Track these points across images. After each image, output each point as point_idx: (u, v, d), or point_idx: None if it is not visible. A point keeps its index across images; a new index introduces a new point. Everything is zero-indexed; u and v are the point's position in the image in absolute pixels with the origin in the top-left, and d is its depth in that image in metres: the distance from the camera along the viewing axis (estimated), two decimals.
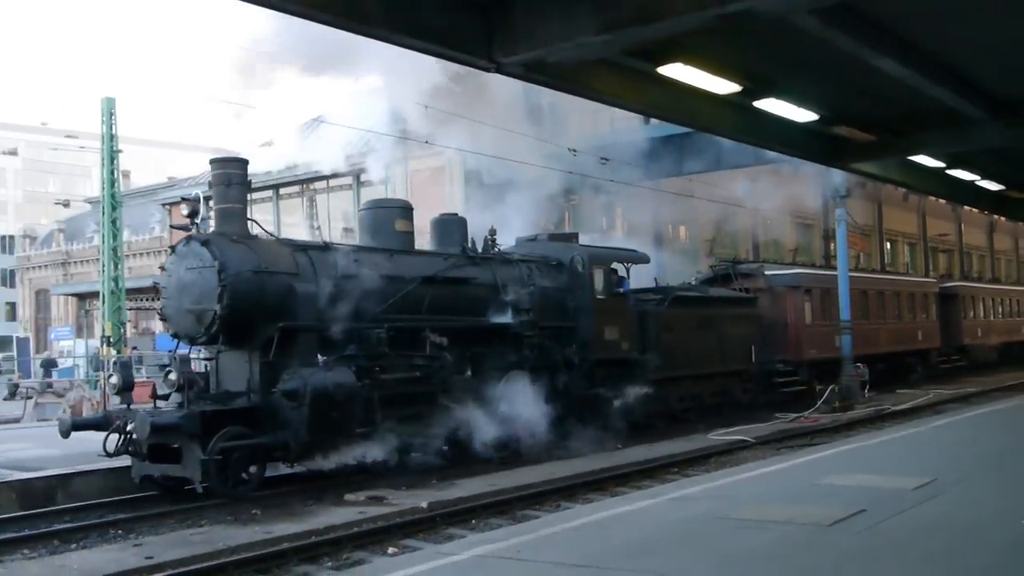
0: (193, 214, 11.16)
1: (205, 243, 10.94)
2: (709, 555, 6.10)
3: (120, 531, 9.13)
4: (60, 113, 72.04)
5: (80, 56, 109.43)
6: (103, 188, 29.34)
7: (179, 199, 32.55)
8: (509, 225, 17.44)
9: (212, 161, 11.67)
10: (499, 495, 10.47)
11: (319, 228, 30.96)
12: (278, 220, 30.69)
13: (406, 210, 13.78)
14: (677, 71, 9.04)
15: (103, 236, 29.70)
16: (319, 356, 10.92)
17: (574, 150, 22.43)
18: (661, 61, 8.78)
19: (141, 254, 44.95)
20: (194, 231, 11.21)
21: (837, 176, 20.87)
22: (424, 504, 9.87)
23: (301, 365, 10.76)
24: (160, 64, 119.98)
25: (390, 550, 8.27)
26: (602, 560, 5.97)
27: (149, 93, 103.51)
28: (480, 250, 14.34)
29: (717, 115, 11.26)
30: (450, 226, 14.65)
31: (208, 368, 11.61)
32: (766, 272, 21.45)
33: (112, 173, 28.81)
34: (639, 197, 25.14)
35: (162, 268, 11.81)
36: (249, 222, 11.67)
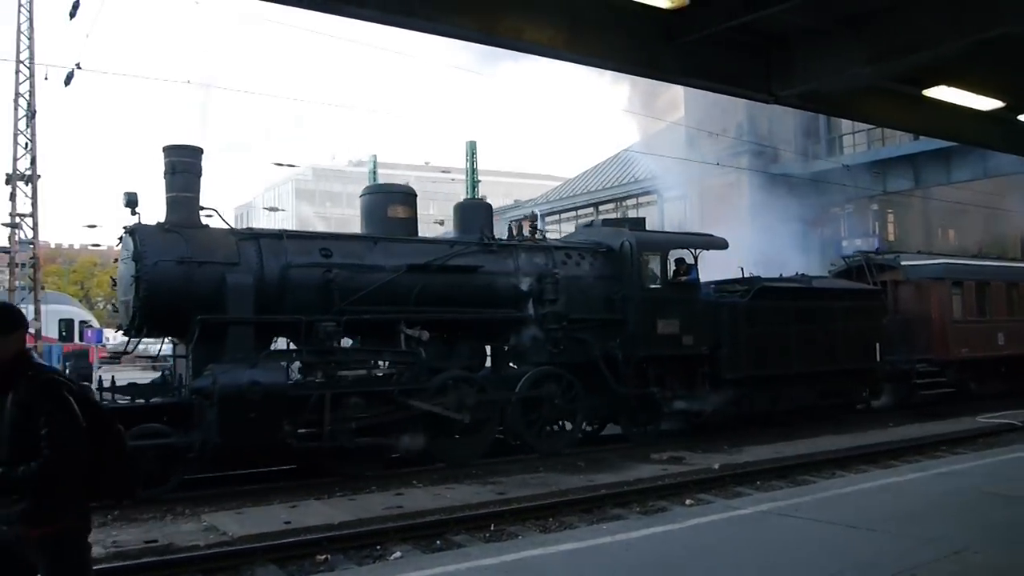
0: (130, 204, 10.53)
1: (131, 233, 10.55)
2: (974, 525, 6.54)
3: (476, 471, 11.30)
4: (438, 153, 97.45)
5: (452, 106, 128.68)
6: None
7: (522, 217, 37.44)
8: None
9: (164, 149, 11.06)
10: (782, 461, 11.72)
11: None
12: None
13: (405, 195, 12.80)
14: (942, 93, 9.64)
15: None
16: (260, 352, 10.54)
17: (847, 165, 24.54)
18: (926, 85, 9.53)
19: None
20: (135, 222, 10.65)
21: None
22: (716, 465, 11.45)
23: (233, 360, 10.12)
24: (513, 109, 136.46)
25: (687, 501, 9.59)
26: (871, 523, 6.58)
27: (504, 131, 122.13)
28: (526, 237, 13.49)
29: (982, 130, 11.55)
30: (472, 211, 13.72)
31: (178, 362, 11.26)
32: (904, 263, 19.33)
33: (473, 199, 34.62)
34: (904, 205, 26.12)
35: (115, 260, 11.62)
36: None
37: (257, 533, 7.94)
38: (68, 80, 21.97)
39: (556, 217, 39.02)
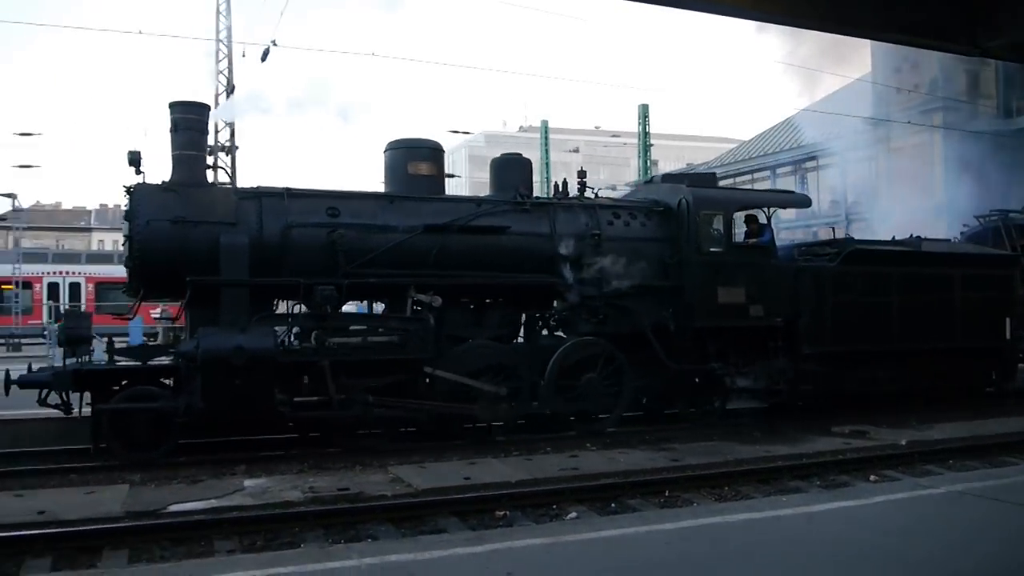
0: (133, 163, 10.20)
1: (129, 192, 10.30)
2: None
3: (649, 438, 11.31)
4: (609, 117, 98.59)
5: (624, 69, 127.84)
6: (639, 175, 35.32)
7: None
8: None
9: (169, 105, 10.64)
10: (977, 440, 10.99)
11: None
12: None
13: (430, 151, 11.80)
14: None
15: None
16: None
17: None
18: None
19: None
20: (140, 180, 10.35)
21: None
22: (903, 441, 10.90)
23: (227, 323, 9.81)
24: (691, 69, 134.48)
25: (871, 477, 9.21)
26: None
27: (678, 94, 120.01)
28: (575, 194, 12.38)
29: None
30: (509, 167, 12.47)
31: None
32: None
33: (646, 163, 34.70)
34: None
35: None
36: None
37: (440, 487, 8.32)
38: (264, 56, 23.32)
39: (731, 181, 37.94)
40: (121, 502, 7.69)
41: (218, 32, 26.80)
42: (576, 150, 58.20)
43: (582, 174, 12.74)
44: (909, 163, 25.80)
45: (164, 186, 10.36)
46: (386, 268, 10.73)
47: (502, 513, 7.72)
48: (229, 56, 27.11)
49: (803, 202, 14.27)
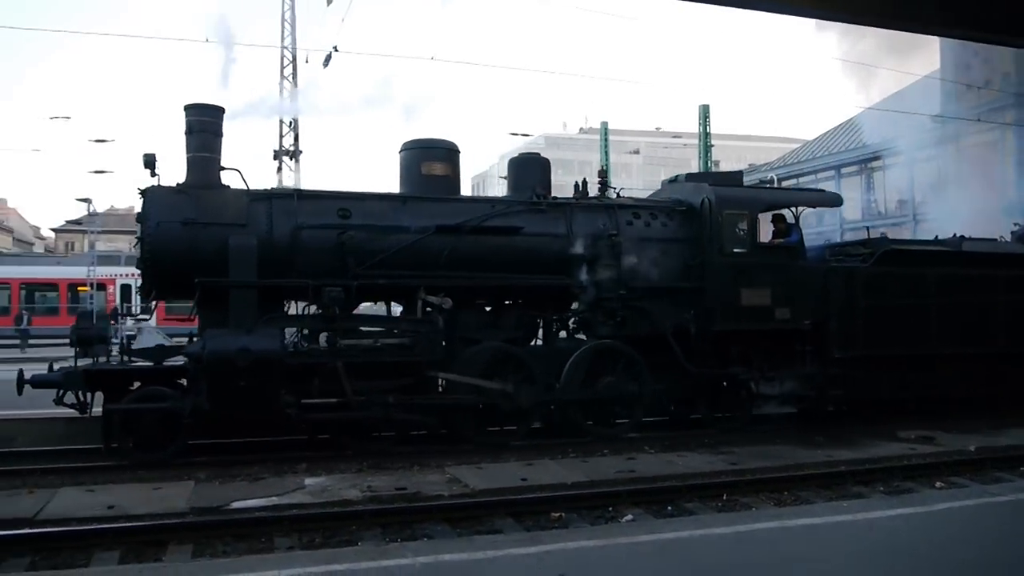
0: (148, 165, 10.25)
1: (142, 194, 10.34)
2: None
3: (707, 441, 11.13)
4: (670, 118, 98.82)
5: (685, 70, 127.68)
6: None
7: (756, 181, 36.75)
8: None
9: (184, 108, 10.65)
10: None
11: (875, 202, 31.90)
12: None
13: (445, 151, 11.59)
14: None
15: None
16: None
17: None
18: None
19: None
20: (155, 182, 10.39)
21: None
22: (972, 447, 10.60)
23: (235, 325, 9.80)
24: (751, 69, 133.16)
25: (937, 484, 9.00)
26: None
27: (739, 94, 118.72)
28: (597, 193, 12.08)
29: None
30: (526, 167, 12.27)
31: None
32: None
33: (707, 164, 34.74)
34: None
35: None
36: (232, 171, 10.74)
37: (496, 487, 8.36)
38: (327, 62, 23.74)
39: (793, 181, 37.28)
40: (186, 498, 7.91)
41: (283, 39, 27.35)
42: (636, 151, 58.00)
43: (602, 174, 12.47)
44: (978, 162, 25.03)
45: (176, 188, 10.42)
46: (397, 269, 10.61)
47: (558, 515, 7.73)
48: (294, 62, 27.64)
49: (833, 201, 13.69)
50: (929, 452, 10.48)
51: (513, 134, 41.07)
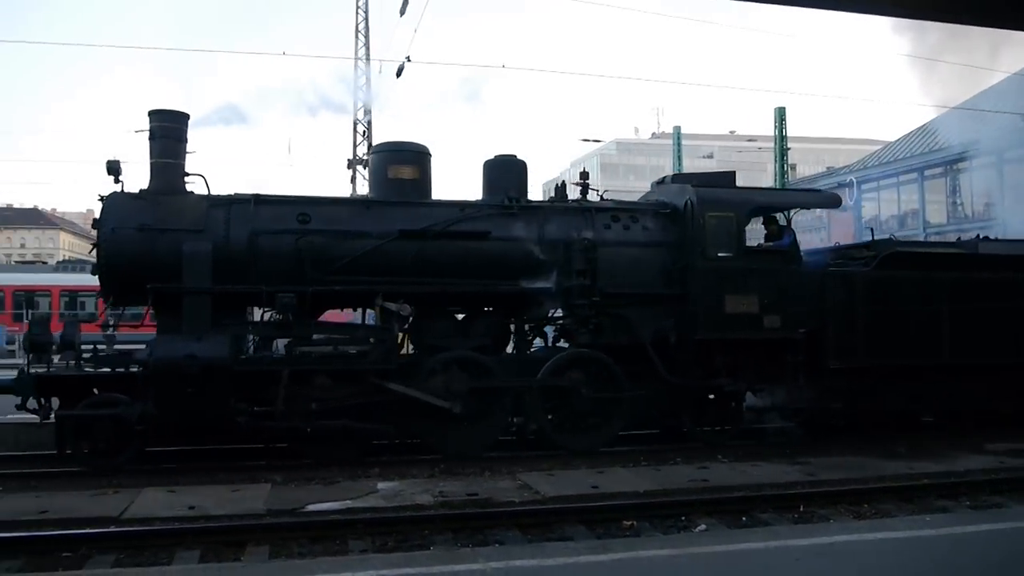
0: (112, 172, 10.19)
1: (102, 200, 10.32)
2: None
3: (787, 451, 10.95)
4: (744, 121, 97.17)
5: (759, 72, 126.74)
6: (775, 179, 34.74)
7: (835, 184, 35.97)
8: None
9: (148, 113, 10.59)
10: None
11: (961, 205, 30.99)
12: (922, 198, 32.29)
13: (414, 154, 11.28)
14: None
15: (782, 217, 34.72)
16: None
17: None
18: None
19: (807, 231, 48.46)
20: (118, 189, 10.35)
21: None
22: None
23: (188, 331, 9.72)
24: (830, 69, 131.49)
25: None
26: None
27: (817, 95, 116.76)
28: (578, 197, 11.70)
29: None
30: (499, 170, 11.68)
31: None
32: None
33: (783, 167, 33.92)
34: None
35: None
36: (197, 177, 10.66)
37: (567, 495, 8.34)
38: (399, 72, 24.09)
39: (874, 184, 36.28)
40: (264, 500, 8.09)
41: (356, 50, 27.85)
42: (710, 156, 57.21)
43: (584, 176, 12.15)
44: None
45: (136, 194, 10.38)
46: (359, 275, 10.40)
47: (629, 523, 7.65)
48: (367, 73, 28.10)
49: (830, 202, 12.67)
50: (1020, 465, 10.04)
51: (584, 140, 41.11)
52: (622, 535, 7.35)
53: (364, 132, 28.22)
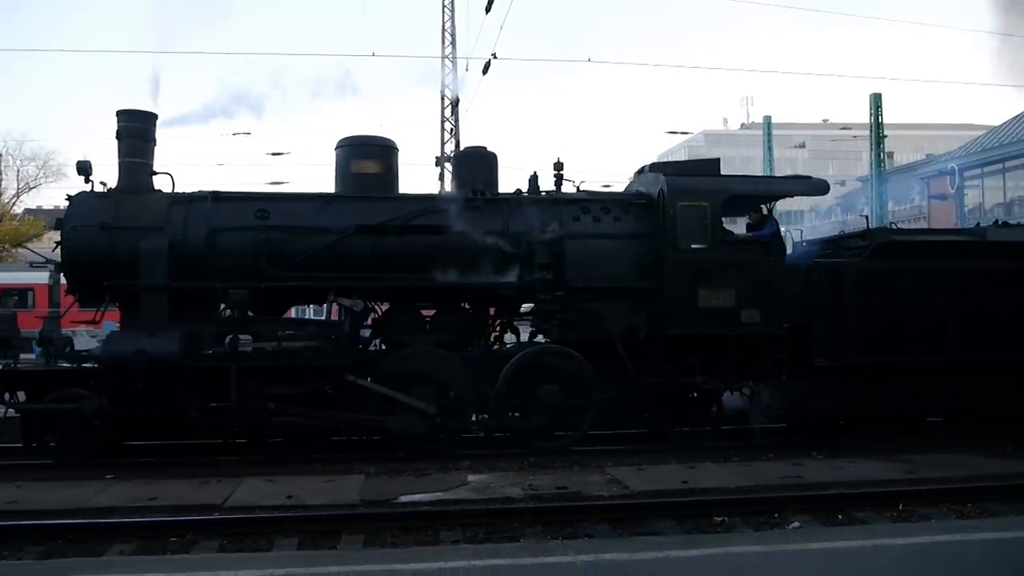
0: (82, 172, 10.35)
1: (68, 199, 10.49)
2: None
3: (883, 447, 10.42)
4: (838, 109, 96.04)
5: (854, 58, 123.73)
6: (871, 168, 33.60)
7: (935, 173, 34.72)
8: None
9: (116, 113, 10.70)
10: None
11: None
12: (1004, 189, 31.10)
13: (378, 147, 11.15)
14: None
15: (871, 208, 33.26)
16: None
17: None
18: None
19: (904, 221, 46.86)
20: (89, 188, 10.50)
21: None
22: None
23: (143, 328, 9.80)
24: (928, 51, 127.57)
25: None
26: None
27: (911, 83, 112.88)
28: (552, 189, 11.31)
29: None
30: (468, 162, 11.57)
31: None
32: None
33: (879, 155, 32.99)
34: None
35: None
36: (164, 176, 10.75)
37: (656, 490, 8.30)
38: (486, 69, 24.29)
39: (978, 171, 34.76)
40: (358, 491, 8.29)
41: (443, 48, 28.19)
42: (802, 145, 55.72)
43: (558, 166, 11.59)
44: None
45: (101, 193, 10.53)
46: (317, 271, 10.35)
47: (720, 519, 7.57)
48: (454, 70, 28.40)
49: (815, 189, 11.53)
50: None
51: (671, 132, 40.45)
52: (713, 531, 7.28)
53: (451, 130, 28.55)
